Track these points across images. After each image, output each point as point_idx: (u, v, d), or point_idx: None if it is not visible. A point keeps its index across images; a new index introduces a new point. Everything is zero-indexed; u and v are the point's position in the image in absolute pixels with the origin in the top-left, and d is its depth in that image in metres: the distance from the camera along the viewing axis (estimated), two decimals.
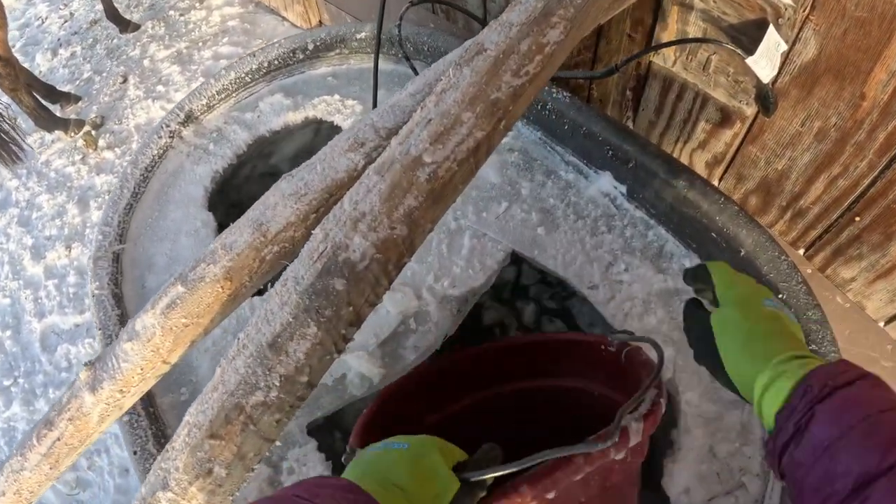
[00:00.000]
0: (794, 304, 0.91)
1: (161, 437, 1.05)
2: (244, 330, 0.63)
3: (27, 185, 3.12)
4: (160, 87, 3.22)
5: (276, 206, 0.67)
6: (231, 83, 1.43)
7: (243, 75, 1.43)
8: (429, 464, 0.62)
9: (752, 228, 0.94)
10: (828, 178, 1.16)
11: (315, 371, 0.60)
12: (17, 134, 3.00)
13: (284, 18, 3.23)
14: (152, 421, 1.07)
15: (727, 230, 0.95)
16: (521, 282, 1.56)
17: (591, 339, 0.95)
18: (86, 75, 3.51)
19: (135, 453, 1.03)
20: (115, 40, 3.64)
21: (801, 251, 1.36)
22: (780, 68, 1.06)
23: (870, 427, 0.46)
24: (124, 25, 3.59)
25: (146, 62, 3.38)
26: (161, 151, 1.40)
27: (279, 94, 1.42)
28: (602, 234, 1.06)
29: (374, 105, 1.10)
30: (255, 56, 1.42)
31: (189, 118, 1.42)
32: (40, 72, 3.63)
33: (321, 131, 1.49)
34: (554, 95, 1.11)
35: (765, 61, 1.05)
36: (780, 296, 0.92)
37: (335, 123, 1.36)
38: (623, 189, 1.07)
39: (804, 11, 0.96)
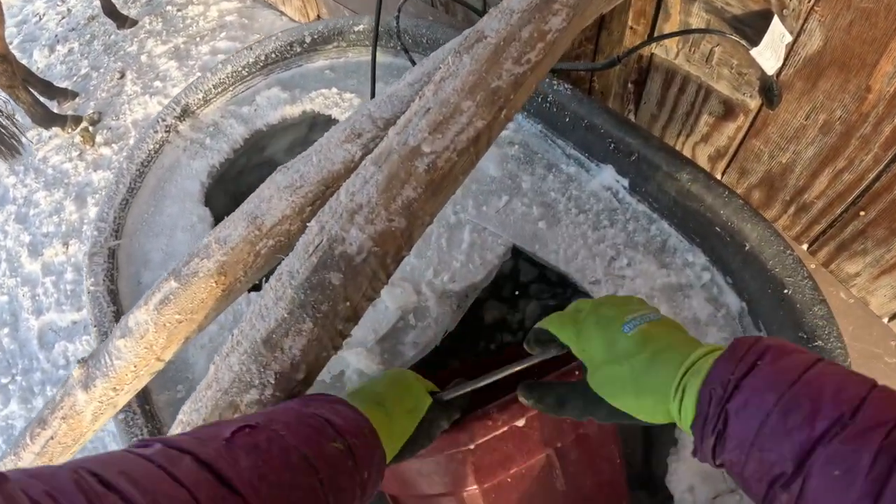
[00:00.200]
0: (800, 300, 0.89)
1: (157, 435, 1.04)
2: (238, 326, 0.61)
3: (24, 182, 3.11)
4: (157, 83, 3.20)
5: (272, 198, 0.66)
6: (228, 77, 1.41)
7: (240, 69, 1.41)
8: (404, 381, 0.69)
9: (756, 222, 0.93)
10: (832, 171, 1.15)
11: (311, 368, 0.59)
12: (17, 128, 2.99)
13: (282, 13, 3.21)
14: (148, 419, 1.05)
15: (731, 224, 0.94)
16: (520, 279, 1.54)
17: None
18: (83, 71, 3.50)
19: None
20: (112, 36, 3.62)
21: (805, 246, 1.35)
22: (785, 60, 1.05)
23: (785, 406, 0.44)
24: (122, 21, 3.57)
25: (143, 58, 3.37)
26: (157, 146, 1.38)
27: (276, 88, 1.40)
28: (604, 229, 1.04)
29: (373, 97, 1.08)
30: (251, 50, 1.41)
31: (185, 112, 1.41)
32: (38, 68, 3.61)
33: (318, 125, 1.47)
34: (555, 87, 1.09)
35: (769, 53, 1.03)
36: (785, 291, 0.90)
37: (333, 117, 1.34)
38: (625, 183, 1.05)
39: (809, 2, 0.94)
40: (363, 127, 0.65)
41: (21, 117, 3.09)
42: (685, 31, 1.13)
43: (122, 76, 3.34)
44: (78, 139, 3.12)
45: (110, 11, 3.51)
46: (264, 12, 3.32)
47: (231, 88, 1.43)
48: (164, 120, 1.39)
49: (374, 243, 0.54)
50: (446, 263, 1.06)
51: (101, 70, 3.44)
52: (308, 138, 1.52)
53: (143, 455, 0.43)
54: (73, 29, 3.82)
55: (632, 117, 1.48)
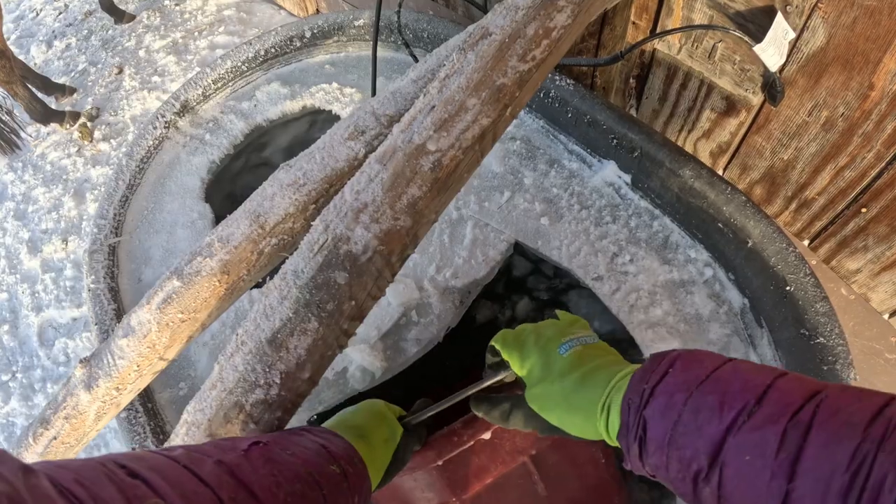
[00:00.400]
0: (802, 297, 0.89)
1: (160, 433, 1.04)
2: (242, 325, 0.61)
3: (23, 179, 3.09)
4: (156, 78, 3.19)
5: (274, 196, 0.65)
6: (227, 72, 1.41)
7: (240, 64, 1.41)
8: (379, 413, 0.72)
9: (759, 219, 0.92)
10: (834, 168, 1.14)
11: (317, 367, 0.58)
12: (17, 123, 2.97)
13: (281, 7, 3.19)
14: (151, 417, 1.05)
15: (734, 220, 0.94)
16: (513, 274, 1.53)
17: None
18: (81, 67, 3.48)
19: (133, 450, 1.01)
20: (110, 31, 3.60)
21: (806, 242, 1.35)
22: (788, 57, 1.04)
23: (695, 403, 0.46)
24: (119, 16, 3.55)
25: (141, 53, 3.35)
26: (157, 142, 1.38)
27: (276, 83, 1.39)
28: (607, 225, 1.04)
29: (374, 93, 1.08)
30: (251, 44, 1.40)
31: (185, 108, 1.40)
32: (35, 64, 3.60)
33: (319, 121, 1.47)
34: (557, 83, 1.08)
35: (772, 49, 1.03)
36: (787, 288, 0.90)
37: (333, 112, 1.33)
38: (628, 178, 1.05)
39: None
40: (367, 124, 0.64)
41: (19, 113, 3.08)
42: (688, 27, 1.13)
43: (120, 71, 3.32)
44: (76, 135, 3.10)
45: (108, 6, 3.49)
46: (262, 6, 3.30)
47: (230, 84, 1.43)
48: (163, 116, 1.38)
49: (379, 242, 0.54)
50: (449, 259, 1.05)
51: (99, 65, 3.42)
52: (309, 134, 1.51)
53: (167, 455, 0.45)
54: (71, 24, 3.80)
55: (633, 113, 1.48)
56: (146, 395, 1.08)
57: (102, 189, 2.56)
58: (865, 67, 0.96)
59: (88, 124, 3.12)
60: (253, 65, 1.42)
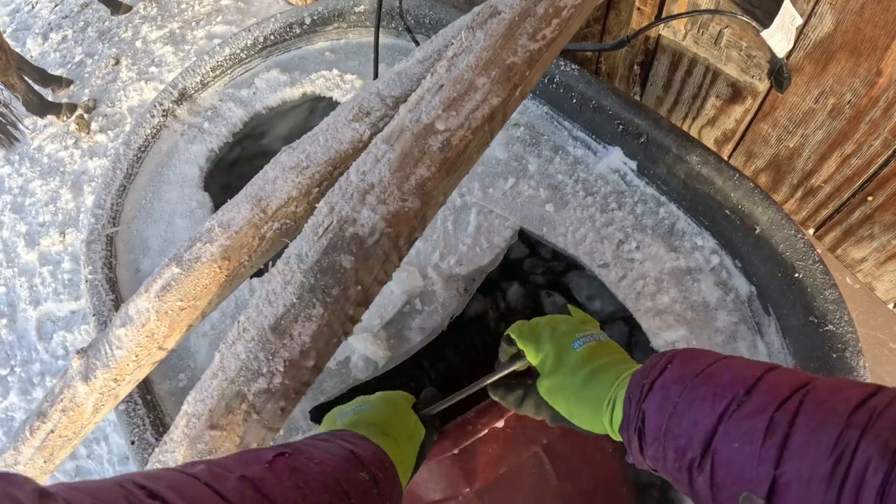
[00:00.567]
0: (811, 284, 0.88)
1: (160, 426, 1.02)
2: (244, 312, 0.59)
3: (20, 172, 3.07)
4: (153, 69, 3.16)
5: (276, 180, 0.64)
6: (226, 60, 1.39)
7: (238, 51, 1.39)
8: (399, 406, 0.71)
9: (767, 206, 0.91)
10: (841, 156, 1.13)
11: (322, 355, 0.57)
12: (14, 116, 2.95)
13: None
14: (150, 409, 1.04)
15: (742, 207, 0.92)
16: (510, 257, 1.50)
17: None
18: (77, 59, 3.45)
19: (132, 443, 1.00)
20: (106, 23, 3.57)
21: (811, 231, 1.34)
22: (795, 43, 1.03)
23: (690, 394, 0.48)
24: (115, 7, 3.52)
25: (138, 43, 3.32)
26: (154, 131, 1.36)
27: (275, 70, 1.37)
28: (612, 212, 1.02)
29: (375, 77, 1.06)
30: (250, 31, 1.38)
31: (183, 96, 1.38)
32: (31, 56, 3.57)
33: (319, 108, 1.45)
34: (562, 68, 1.07)
35: (780, 35, 1.02)
36: (795, 275, 0.89)
37: (334, 99, 1.31)
38: (633, 165, 1.04)
39: None
40: (371, 105, 0.63)
41: (16, 106, 3.05)
42: (694, 12, 1.11)
43: (117, 63, 3.30)
44: (73, 127, 3.08)
45: None
46: None
47: (229, 71, 1.41)
48: (161, 104, 1.36)
49: (386, 224, 0.52)
50: (453, 247, 1.04)
51: (96, 57, 3.39)
52: (309, 121, 1.49)
53: (188, 473, 0.44)
54: (67, 16, 3.77)
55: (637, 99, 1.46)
56: (145, 387, 1.06)
57: (100, 179, 2.55)
58: (873, 54, 0.95)
59: (85, 116, 3.10)
60: (252, 52, 1.40)
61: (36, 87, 3.06)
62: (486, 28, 0.56)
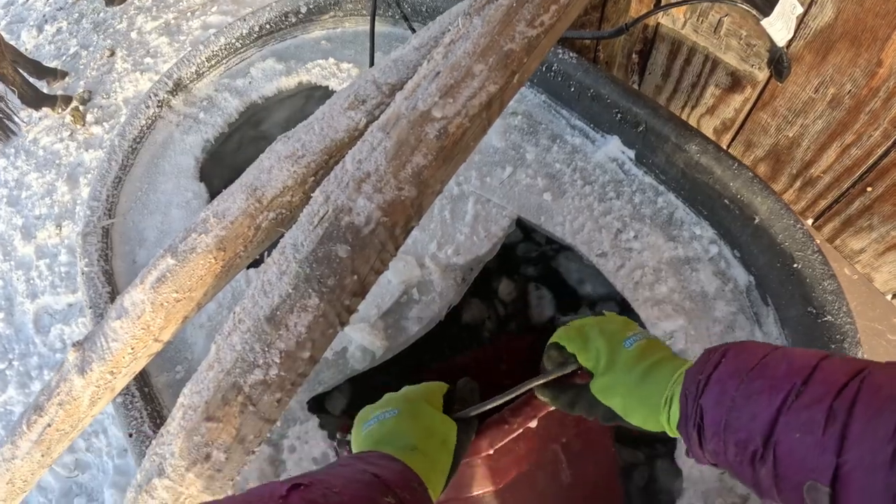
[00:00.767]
0: (809, 274, 0.88)
1: (157, 418, 1.02)
2: (240, 303, 0.59)
3: (15, 165, 3.05)
4: (148, 60, 3.14)
5: (272, 169, 0.63)
6: (221, 49, 1.37)
7: (234, 41, 1.37)
8: (426, 419, 0.67)
9: (766, 195, 0.91)
10: (840, 146, 1.13)
11: (318, 345, 0.56)
12: (9, 108, 2.93)
13: None
14: (147, 401, 1.03)
15: (741, 197, 0.92)
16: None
17: None
18: (72, 50, 3.43)
19: (130, 436, 0.99)
20: (101, 14, 3.54)
21: (810, 221, 1.33)
22: (795, 32, 1.02)
23: (747, 388, 0.49)
24: None
25: (133, 35, 3.30)
26: (149, 122, 1.35)
27: (271, 60, 1.36)
28: (610, 201, 1.02)
29: (371, 65, 1.05)
30: (245, 21, 1.37)
31: (178, 87, 1.37)
32: (26, 49, 3.54)
33: (315, 97, 1.44)
34: (560, 56, 1.06)
35: (780, 23, 1.01)
36: (794, 265, 0.89)
37: (330, 88, 1.31)
38: (632, 154, 1.03)
39: None
40: (367, 93, 0.62)
41: (11, 99, 3.03)
42: (694, 0, 1.10)
43: (112, 54, 3.28)
44: (68, 119, 3.06)
45: None
46: None
47: (224, 61, 1.39)
48: (156, 95, 1.35)
49: (382, 213, 0.51)
50: (450, 236, 1.04)
51: (91, 48, 3.37)
52: (305, 110, 1.48)
53: None
54: (61, 8, 3.74)
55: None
56: (142, 380, 1.06)
57: (95, 171, 2.54)
58: (874, 44, 0.94)
59: (80, 108, 3.08)
60: (247, 41, 1.39)
61: (31, 80, 3.04)
62: (484, 14, 0.56)
